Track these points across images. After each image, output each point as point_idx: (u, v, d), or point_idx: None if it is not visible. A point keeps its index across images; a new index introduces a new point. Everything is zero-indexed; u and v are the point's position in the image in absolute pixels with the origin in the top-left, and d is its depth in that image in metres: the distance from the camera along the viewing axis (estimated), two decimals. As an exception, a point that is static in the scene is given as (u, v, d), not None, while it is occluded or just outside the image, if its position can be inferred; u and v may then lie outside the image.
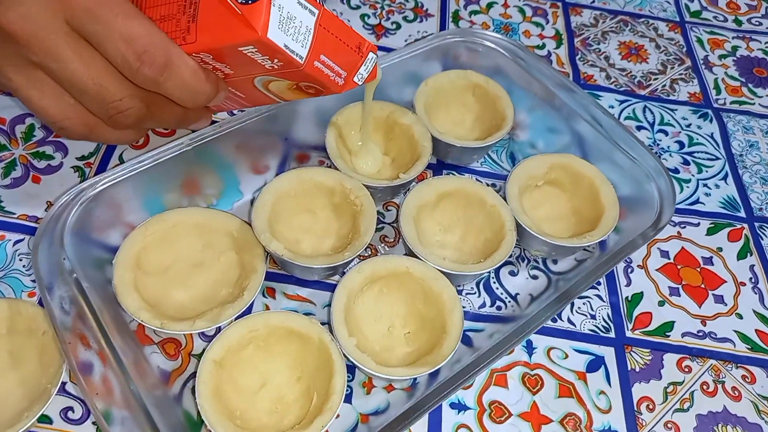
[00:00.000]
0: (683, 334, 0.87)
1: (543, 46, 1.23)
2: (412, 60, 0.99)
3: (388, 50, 1.17)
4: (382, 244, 0.90)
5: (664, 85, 1.20)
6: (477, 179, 1.00)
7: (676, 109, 1.16)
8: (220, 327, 0.76)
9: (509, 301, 0.87)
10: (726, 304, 0.90)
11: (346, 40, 0.55)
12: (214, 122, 0.78)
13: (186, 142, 0.75)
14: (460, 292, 0.87)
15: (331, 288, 0.78)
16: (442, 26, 1.25)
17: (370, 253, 0.89)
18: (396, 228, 0.92)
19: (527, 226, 0.85)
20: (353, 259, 0.81)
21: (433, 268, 0.79)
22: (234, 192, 0.93)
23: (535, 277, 0.90)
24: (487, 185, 0.91)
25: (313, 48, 0.52)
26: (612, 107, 1.14)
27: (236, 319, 0.74)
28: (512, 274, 0.90)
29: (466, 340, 0.83)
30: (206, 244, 0.83)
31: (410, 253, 0.82)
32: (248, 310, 0.81)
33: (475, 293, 0.87)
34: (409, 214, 0.84)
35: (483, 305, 0.86)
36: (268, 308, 0.83)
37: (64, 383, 0.73)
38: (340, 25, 0.54)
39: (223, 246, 0.83)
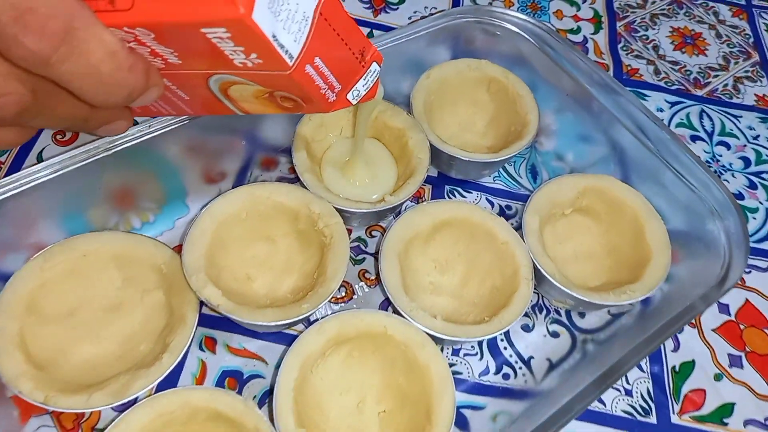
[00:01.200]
0: (746, 422, 0.66)
1: (578, 31, 1.01)
2: (414, 43, 0.78)
3: (386, 29, 0.95)
4: (362, 283, 0.70)
5: (726, 85, 0.97)
6: (487, 198, 0.79)
7: (741, 116, 0.93)
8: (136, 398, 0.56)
9: (520, 368, 0.67)
10: (804, 382, 0.69)
11: (348, 40, 0.42)
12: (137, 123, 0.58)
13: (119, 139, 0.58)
14: (456, 352, 0.67)
15: (289, 340, 0.57)
16: (456, 2, 1.03)
17: (344, 293, 0.69)
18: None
19: (549, 274, 0.64)
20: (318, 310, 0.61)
21: (420, 331, 0.59)
22: (178, 206, 0.74)
23: (555, 335, 0.69)
24: (501, 209, 0.71)
25: (309, 46, 0.38)
26: (660, 111, 0.92)
27: (156, 390, 0.55)
28: (526, 329, 0.70)
29: (461, 421, 0.63)
30: (126, 281, 0.64)
31: (392, 305, 0.62)
32: (173, 376, 0.62)
33: (476, 354, 0.67)
34: (393, 250, 0.64)
35: (486, 371, 0.66)
36: (204, 365, 0.64)
37: None
38: (345, 19, 0.40)
39: (149, 283, 0.63)
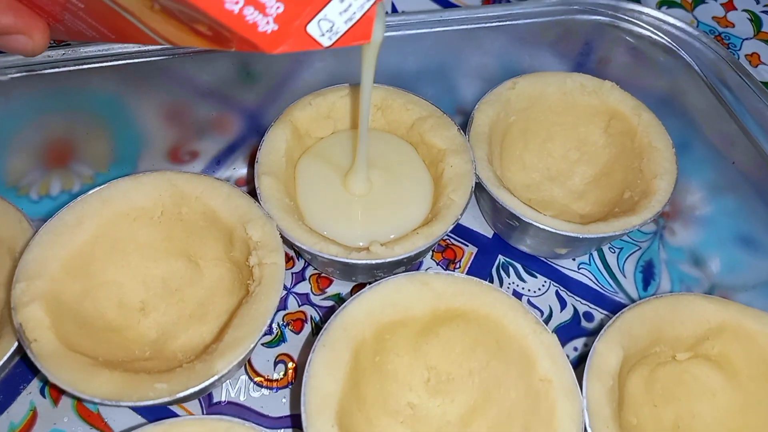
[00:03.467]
0: None
1: (780, 86, 0.68)
2: (501, 33, 0.52)
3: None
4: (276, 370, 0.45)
5: None
6: (558, 292, 0.51)
7: None
8: None
9: None
10: None
11: None
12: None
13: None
14: None
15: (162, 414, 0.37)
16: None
17: (245, 372, 0.44)
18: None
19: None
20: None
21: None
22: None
23: None
24: (575, 314, 0.44)
25: None
26: None
27: None
28: None
29: None
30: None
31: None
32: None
33: None
34: (347, 334, 0.38)
35: None
36: (33, 417, 0.42)
37: None
38: None
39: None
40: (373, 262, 0.41)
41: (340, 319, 0.39)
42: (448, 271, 0.42)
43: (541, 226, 0.45)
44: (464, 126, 0.50)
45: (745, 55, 0.72)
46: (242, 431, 0.34)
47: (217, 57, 0.51)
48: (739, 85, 0.49)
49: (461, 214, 0.44)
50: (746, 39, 0.74)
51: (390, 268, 0.44)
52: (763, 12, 0.76)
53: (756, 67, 0.72)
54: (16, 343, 0.38)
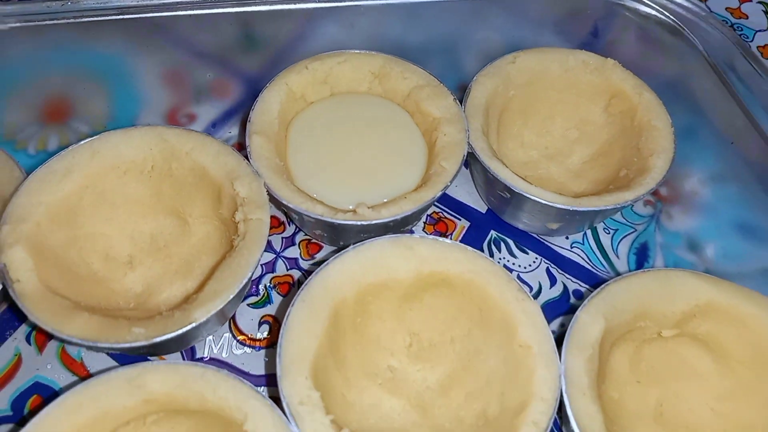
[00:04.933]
0: None
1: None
2: (508, 8, 0.51)
3: None
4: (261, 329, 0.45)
5: None
6: (549, 269, 0.51)
7: None
8: None
9: None
10: None
11: None
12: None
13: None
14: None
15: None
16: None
17: (229, 329, 0.44)
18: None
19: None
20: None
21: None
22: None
23: None
24: (566, 292, 0.45)
25: None
26: None
27: None
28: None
29: None
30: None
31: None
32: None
33: None
34: (329, 291, 0.38)
35: None
36: (17, 361, 0.43)
37: None
38: None
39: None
40: (359, 223, 0.41)
41: (321, 277, 0.39)
42: (433, 236, 0.41)
43: (533, 198, 0.44)
44: (462, 99, 0.49)
45: (757, 47, 0.71)
46: (216, 377, 0.34)
47: (220, 19, 0.51)
48: (745, 67, 0.48)
49: (451, 182, 0.43)
50: (759, 31, 0.73)
51: (377, 232, 0.44)
52: (778, 4, 0.75)
53: (767, 58, 0.71)
54: (0, 285, 0.39)
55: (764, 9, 0.74)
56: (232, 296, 0.37)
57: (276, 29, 0.53)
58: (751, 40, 0.71)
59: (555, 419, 0.36)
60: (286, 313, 0.37)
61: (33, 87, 0.51)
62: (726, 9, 0.73)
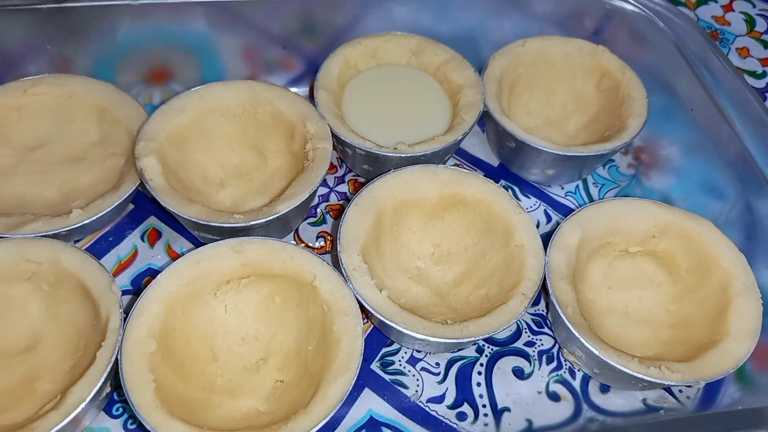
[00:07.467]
0: None
1: (762, 75, 0.79)
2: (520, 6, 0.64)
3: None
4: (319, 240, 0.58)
5: None
6: (546, 211, 0.63)
7: None
8: None
9: (485, 415, 0.49)
10: None
11: None
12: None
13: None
14: (415, 361, 0.51)
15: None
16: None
17: (294, 239, 0.57)
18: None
19: (561, 305, 0.46)
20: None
21: (352, 296, 0.45)
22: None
23: (554, 397, 0.50)
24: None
25: None
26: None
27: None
28: (518, 373, 0.51)
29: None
30: (102, 138, 0.58)
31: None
32: (102, 242, 0.54)
33: (437, 374, 0.51)
34: (374, 202, 0.51)
35: (438, 399, 0.50)
36: (135, 254, 0.57)
37: None
38: None
39: (117, 148, 0.58)
40: (398, 155, 0.54)
41: (369, 190, 0.52)
42: (453, 167, 0.55)
43: (532, 144, 0.57)
44: (481, 72, 0.62)
45: (737, 48, 0.83)
46: (294, 249, 0.47)
47: (284, 6, 0.64)
48: (702, 48, 0.60)
49: (470, 129, 0.56)
50: (739, 36, 0.85)
51: (411, 164, 0.57)
52: (758, 15, 0.87)
53: (745, 58, 0.83)
54: (135, 185, 0.53)
55: (745, 18, 0.86)
56: (306, 197, 0.50)
57: (330, 17, 0.66)
58: (732, 43, 0.83)
59: (540, 294, 0.49)
60: (344, 212, 0.50)
61: (143, 54, 0.65)
62: (711, 16, 0.86)
